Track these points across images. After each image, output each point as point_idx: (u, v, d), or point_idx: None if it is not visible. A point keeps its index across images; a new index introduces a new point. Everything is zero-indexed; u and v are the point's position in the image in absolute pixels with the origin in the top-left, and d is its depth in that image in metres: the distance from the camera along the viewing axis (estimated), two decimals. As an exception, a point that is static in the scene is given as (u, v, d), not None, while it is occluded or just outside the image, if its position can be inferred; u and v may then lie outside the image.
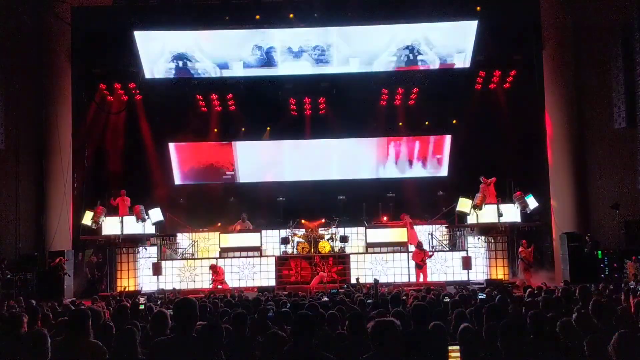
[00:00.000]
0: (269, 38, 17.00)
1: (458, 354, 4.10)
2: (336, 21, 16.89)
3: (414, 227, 17.24)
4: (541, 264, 16.59)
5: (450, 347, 4.13)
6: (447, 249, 17.25)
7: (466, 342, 4.94)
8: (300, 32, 17.01)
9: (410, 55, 17.12)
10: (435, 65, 17.25)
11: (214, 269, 15.96)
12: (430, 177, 19.35)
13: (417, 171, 19.50)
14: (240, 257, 16.72)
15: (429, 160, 19.49)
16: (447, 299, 7.98)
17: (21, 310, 7.10)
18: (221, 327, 4.22)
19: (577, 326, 5.14)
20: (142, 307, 7.79)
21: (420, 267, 15.67)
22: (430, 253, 15.95)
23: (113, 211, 16.61)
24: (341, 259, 16.59)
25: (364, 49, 17.10)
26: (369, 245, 17.09)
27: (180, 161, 19.43)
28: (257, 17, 16.87)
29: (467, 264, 16.03)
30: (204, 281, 16.21)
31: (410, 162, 19.51)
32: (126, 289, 15.26)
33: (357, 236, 17.59)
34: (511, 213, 16.04)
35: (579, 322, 5.17)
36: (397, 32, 16.90)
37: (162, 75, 17.36)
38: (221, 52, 17.15)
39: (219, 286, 15.48)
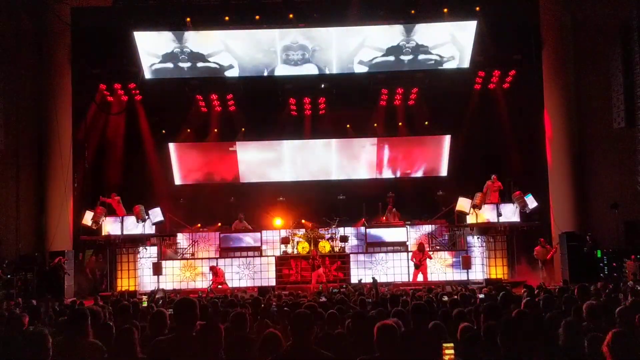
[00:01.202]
0: (271, 39, 17.05)
1: (452, 351, 4.11)
2: (335, 21, 16.91)
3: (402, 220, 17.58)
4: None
5: (444, 345, 4.14)
6: (447, 248, 17.26)
7: (465, 341, 4.95)
8: (300, 32, 17.04)
9: (410, 56, 17.13)
10: (434, 65, 17.26)
11: (214, 270, 15.95)
12: (429, 177, 19.35)
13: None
14: (241, 257, 16.74)
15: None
16: (445, 298, 7.99)
17: (21, 310, 7.13)
18: (220, 327, 4.23)
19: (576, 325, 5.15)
20: (144, 304, 7.83)
21: (417, 267, 15.66)
22: (430, 254, 15.93)
23: (113, 211, 16.63)
24: (341, 259, 16.61)
25: (363, 48, 17.12)
26: (368, 245, 17.11)
27: (180, 163, 19.40)
28: (257, 17, 16.88)
29: (466, 263, 16.05)
30: (204, 281, 16.22)
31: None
32: (128, 289, 15.27)
33: (356, 236, 17.60)
34: (510, 213, 16.05)
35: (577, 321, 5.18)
36: (396, 32, 16.92)
37: (162, 75, 17.37)
38: (221, 51, 17.17)
39: (219, 286, 15.50)
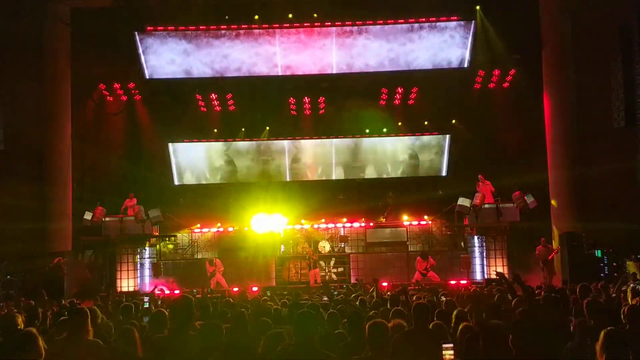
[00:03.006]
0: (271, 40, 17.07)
1: (452, 352, 4.10)
2: (335, 21, 16.92)
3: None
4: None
5: (444, 345, 4.13)
6: (447, 248, 17.26)
7: (466, 341, 4.94)
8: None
9: (410, 55, 17.13)
10: (434, 64, 17.26)
11: (210, 261, 15.89)
12: (430, 177, 19.32)
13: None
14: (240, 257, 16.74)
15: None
16: (443, 298, 7.97)
17: (18, 311, 7.11)
18: (220, 326, 4.23)
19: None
20: (146, 305, 7.84)
21: (424, 275, 15.60)
22: (433, 261, 15.84)
23: (114, 212, 16.64)
24: (341, 259, 16.61)
25: (363, 49, 17.13)
26: (368, 245, 17.10)
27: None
28: (256, 17, 16.88)
29: (466, 263, 16.03)
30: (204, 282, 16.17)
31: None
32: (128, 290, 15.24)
33: (357, 236, 17.59)
34: (510, 212, 16.04)
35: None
36: (395, 32, 16.92)
37: (162, 75, 17.36)
38: (220, 52, 17.18)
39: (218, 281, 15.51)
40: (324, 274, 16.22)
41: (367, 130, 19.27)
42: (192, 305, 4.15)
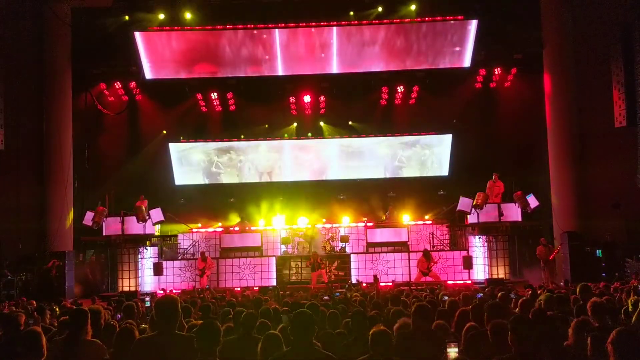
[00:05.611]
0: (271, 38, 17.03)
1: (456, 349, 4.09)
2: (336, 20, 16.89)
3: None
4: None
5: (449, 344, 4.12)
6: (448, 248, 17.23)
7: (469, 341, 4.92)
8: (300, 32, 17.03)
9: (410, 55, 17.11)
10: (435, 64, 17.23)
11: (202, 256, 15.81)
12: (430, 176, 19.30)
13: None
14: (241, 257, 16.72)
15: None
16: (445, 298, 7.95)
17: (20, 310, 7.11)
18: (218, 326, 4.21)
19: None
20: (147, 303, 7.83)
21: (426, 274, 15.54)
22: (436, 260, 15.76)
23: (114, 212, 16.63)
24: (341, 259, 16.59)
25: (364, 47, 17.10)
26: (369, 245, 17.08)
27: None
28: (257, 16, 16.87)
29: (468, 263, 16.00)
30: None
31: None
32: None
33: (357, 236, 17.56)
34: (512, 212, 16.01)
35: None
36: (396, 31, 16.89)
37: (162, 75, 17.34)
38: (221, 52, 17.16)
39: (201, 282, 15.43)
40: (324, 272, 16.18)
41: (368, 130, 19.26)
42: (176, 304, 4.12)
